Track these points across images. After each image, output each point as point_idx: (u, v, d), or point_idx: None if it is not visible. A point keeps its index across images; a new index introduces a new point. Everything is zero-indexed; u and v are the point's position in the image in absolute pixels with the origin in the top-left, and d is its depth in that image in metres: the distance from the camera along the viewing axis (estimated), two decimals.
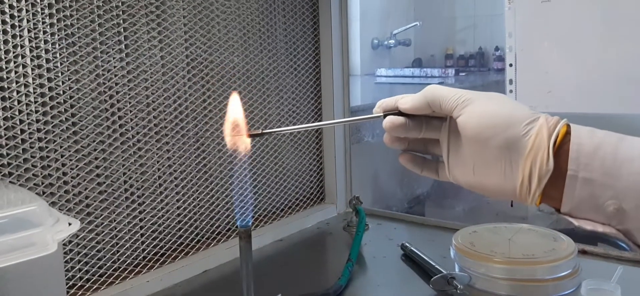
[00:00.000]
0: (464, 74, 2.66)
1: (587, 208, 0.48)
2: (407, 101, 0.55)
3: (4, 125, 0.70)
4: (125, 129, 0.83)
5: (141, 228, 0.86)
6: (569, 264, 0.73)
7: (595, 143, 0.48)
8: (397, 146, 0.59)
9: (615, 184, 0.46)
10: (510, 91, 0.98)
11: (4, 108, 0.70)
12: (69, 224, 0.52)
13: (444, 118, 0.57)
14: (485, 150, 0.51)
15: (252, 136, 0.60)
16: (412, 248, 0.89)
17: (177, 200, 0.90)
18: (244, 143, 0.59)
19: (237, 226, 0.99)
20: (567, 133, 0.49)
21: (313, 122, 1.14)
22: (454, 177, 0.56)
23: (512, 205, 1.11)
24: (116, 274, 0.81)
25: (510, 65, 0.98)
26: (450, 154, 0.56)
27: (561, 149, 0.48)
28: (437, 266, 0.81)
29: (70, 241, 0.77)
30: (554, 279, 0.72)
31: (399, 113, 0.56)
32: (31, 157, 0.72)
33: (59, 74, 0.75)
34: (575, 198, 0.48)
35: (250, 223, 0.60)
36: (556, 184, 0.48)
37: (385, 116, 0.57)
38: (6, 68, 0.70)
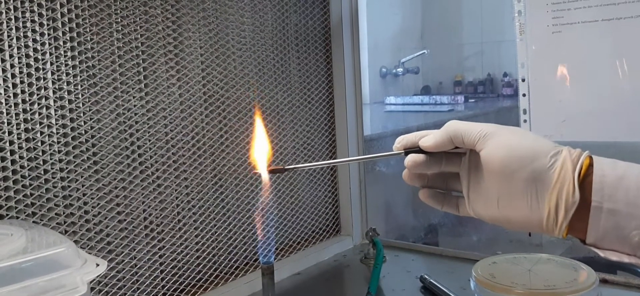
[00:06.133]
0: (473, 100, 2.67)
1: (613, 239, 0.48)
2: (428, 139, 0.56)
3: (28, 165, 0.71)
4: (145, 166, 0.84)
5: (161, 264, 0.86)
6: (590, 294, 0.72)
7: (618, 174, 0.48)
8: (416, 183, 0.59)
9: None
10: (524, 121, 0.99)
11: (28, 149, 0.71)
12: (97, 265, 0.53)
13: (463, 153, 0.57)
14: (511, 183, 0.51)
15: (273, 172, 0.60)
16: (431, 280, 0.89)
17: (196, 235, 0.91)
18: (266, 177, 0.60)
19: (257, 262, 0.99)
20: (590, 165, 0.49)
21: (328, 154, 1.15)
22: (475, 212, 0.56)
23: (530, 235, 1.10)
24: None
25: (524, 95, 0.99)
26: (471, 189, 0.56)
27: (585, 181, 0.49)
28: None
29: (92, 280, 0.78)
30: None
31: (420, 150, 0.57)
32: (54, 196, 0.74)
33: (82, 114, 0.77)
34: (600, 229, 0.48)
35: (272, 259, 0.61)
36: (581, 216, 0.49)
37: (406, 153, 0.57)
38: (30, 110, 0.72)
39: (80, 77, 0.76)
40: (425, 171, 0.58)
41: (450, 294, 0.83)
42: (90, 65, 0.77)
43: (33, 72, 0.72)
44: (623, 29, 0.91)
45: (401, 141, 0.58)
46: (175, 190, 0.88)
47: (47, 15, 0.73)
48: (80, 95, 0.76)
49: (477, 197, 0.55)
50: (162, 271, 0.86)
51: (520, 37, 0.99)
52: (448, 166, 0.58)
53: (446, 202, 0.60)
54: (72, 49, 0.75)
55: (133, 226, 0.82)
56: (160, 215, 0.86)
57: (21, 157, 0.71)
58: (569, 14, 0.94)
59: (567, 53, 0.96)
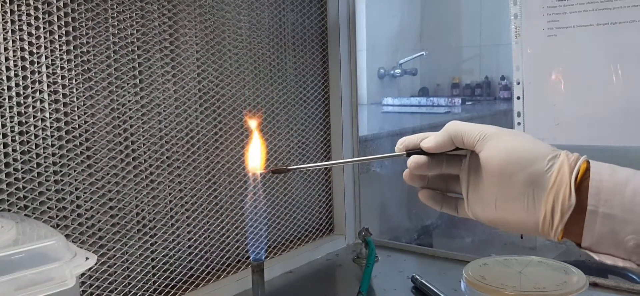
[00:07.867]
0: (470, 103, 2.67)
1: (608, 243, 0.48)
2: (430, 140, 0.56)
3: (20, 158, 0.71)
4: (139, 162, 0.84)
5: (152, 260, 0.86)
6: None
7: (616, 179, 0.48)
8: (416, 183, 0.60)
9: (636, 219, 0.47)
10: (518, 123, 0.99)
11: (21, 142, 0.71)
12: (86, 258, 0.53)
13: (463, 156, 0.57)
14: (509, 185, 0.51)
15: (276, 172, 0.61)
16: (422, 280, 0.89)
17: (188, 232, 0.91)
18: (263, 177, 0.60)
19: (249, 259, 0.99)
20: (587, 170, 0.50)
21: (323, 153, 1.15)
22: (473, 213, 0.56)
23: (522, 237, 1.11)
24: None
25: (518, 97, 0.99)
26: (470, 190, 0.56)
27: (582, 185, 0.49)
28: None
29: (82, 274, 0.78)
30: None
31: (422, 151, 0.57)
32: (46, 190, 0.74)
33: (75, 108, 0.77)
34: (595, 233, 0.48)
35: (263, 257, 0.61)
36: (577, 219, 0.49)
37: (408, 155, 0.57)
38: (25, 103, 0.72)
39: (75, 71, 0.76)
40: (427, 172, 0.58)
41: (442, 295, 0.83)
42: (85, 59, 0.77)
43: (27, 66, 0.72)
44: (618, 33, 0.91)
45: (403, 142, 0.58)
46: (169, 187, 0.88)
47: (42, 9, 0.73)
48: (74, 90, 0.76)
49: (476, 199, 0.56)
50: (153, 267, 0.86)
51: (516, 40, 0.99)
52: (449, 168, 0.58)
53: (445, 203, 0.60)
54: (68, 43, 0.75)
55: (125, 222, 0.82)
56: (153, 210, 0.86)
57: (14, 150, 0.71)
58: (564, 17, 0.95)
59: (561, 57, 0.96)
